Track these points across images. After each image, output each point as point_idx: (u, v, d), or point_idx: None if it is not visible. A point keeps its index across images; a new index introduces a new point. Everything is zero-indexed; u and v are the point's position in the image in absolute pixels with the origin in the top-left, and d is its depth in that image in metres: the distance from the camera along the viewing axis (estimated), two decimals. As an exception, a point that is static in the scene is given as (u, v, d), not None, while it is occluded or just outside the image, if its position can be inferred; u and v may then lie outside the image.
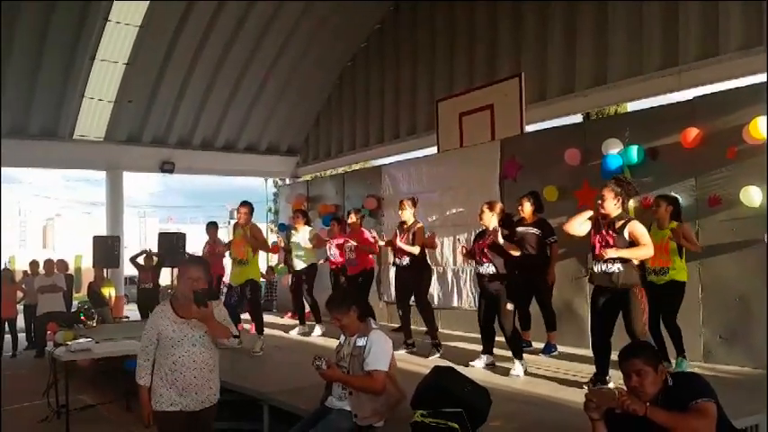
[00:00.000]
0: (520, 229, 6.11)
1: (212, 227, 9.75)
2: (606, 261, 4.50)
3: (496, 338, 5.76)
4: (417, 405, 3.54)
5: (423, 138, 11.61)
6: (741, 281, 5.51)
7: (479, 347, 5.92)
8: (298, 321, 8.64)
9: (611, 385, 4.63)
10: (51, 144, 12.47)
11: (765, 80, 5.67)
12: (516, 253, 5.40)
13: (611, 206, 4.55)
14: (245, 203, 7.19)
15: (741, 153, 5.53)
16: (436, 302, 8.17)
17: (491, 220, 5.52)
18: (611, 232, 4.50)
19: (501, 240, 5.30)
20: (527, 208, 6.33)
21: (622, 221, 4.51)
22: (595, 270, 4.63)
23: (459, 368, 4.04)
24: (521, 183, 7.50)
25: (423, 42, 11.98)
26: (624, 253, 4.38)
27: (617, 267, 4.46)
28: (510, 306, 5.40)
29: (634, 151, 6.20)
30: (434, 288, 8.33)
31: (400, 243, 6.37)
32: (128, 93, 12.42)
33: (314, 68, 13.62)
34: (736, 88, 6.08)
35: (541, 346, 6.45)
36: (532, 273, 6.10)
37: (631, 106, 9.52)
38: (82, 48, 11.33)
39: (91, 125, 12.81)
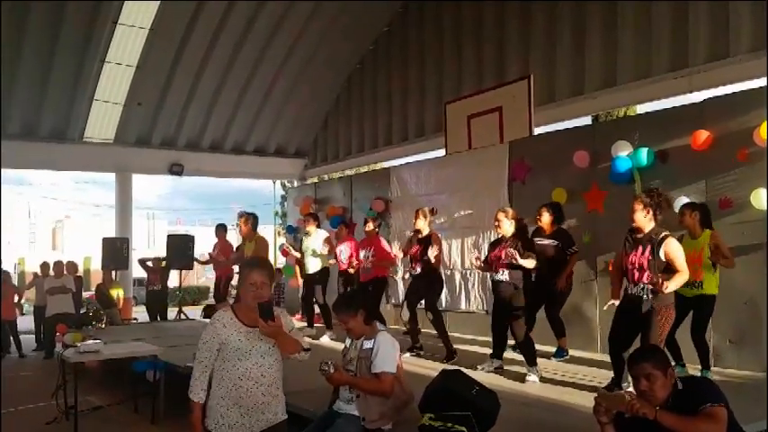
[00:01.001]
0: (538, 242, 5.98)
1: (221, 229, 9.80)
2: (635, 283, 4.36)
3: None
4: (425, 408, 3.53)
5: (431, 140, 11.59)
6: (750, 284, 5.47)
7: (487, 351, 5.90)
8: (306, 324, 8.63)
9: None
10: (61, 146, 12.56)
11: (766, 84, 5.64)
12: (532, 265, 5.30)
13: (642, 219, 4.34)
14: (242, 215, 7.09)
15: (752, 155, 5.49)
16: (444, 305, 8.15)
17: (508, 228, 5.47)
18: (645, 254, 4.30)
19: (521, 261, 5.18)
20: (545, 218, 6.21)
21: (657, 238, 4.28)
22: (627, 291, 4.47)
23: (468, 371, 4.02)
24: (529, 185, 7.48)
25: (431, 44, 11.97)
26: (666, 289, 4.13)
27: (646, 294, 4.29)
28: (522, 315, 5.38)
29: (644, 154, 6.16)
30: (442, 291, 8.32)
31: (431, 253, 6.28)
32: (137, 95, 12.50)
33: (322, 70, 13.64)
34: (747, 90, 6.03)
35: (547, 349, 6.42)
36: (547, 280, 6.04)
37: (641, 108, 9.46)
38: (92, 50, 11.40)
39: (100, 127, 12.89)
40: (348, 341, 3.83)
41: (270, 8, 11.79)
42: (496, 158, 7.93)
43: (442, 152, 9.96)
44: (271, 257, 22.14)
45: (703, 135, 5.75)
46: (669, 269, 4.27)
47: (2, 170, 11.98)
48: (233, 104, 13.58)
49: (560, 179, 7.06)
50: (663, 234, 4.32)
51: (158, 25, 11.47)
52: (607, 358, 5.31)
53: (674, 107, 6.71)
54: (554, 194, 6.94)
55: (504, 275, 5.40)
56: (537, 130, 8.38)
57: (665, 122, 6.28)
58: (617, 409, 2.69)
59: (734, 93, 6.18)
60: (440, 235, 7.02)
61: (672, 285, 4.17)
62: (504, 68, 10.40)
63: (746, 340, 5.53)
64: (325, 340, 7.86)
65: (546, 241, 6.12)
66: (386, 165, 12.89)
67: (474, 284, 8.18)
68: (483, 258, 5.80)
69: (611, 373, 4.85)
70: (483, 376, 4.97)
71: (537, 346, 6.34)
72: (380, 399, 3.50)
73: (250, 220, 7.10)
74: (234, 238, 12.09)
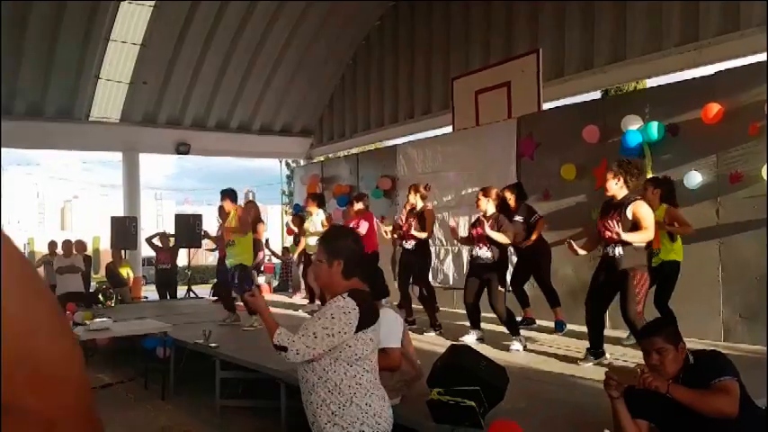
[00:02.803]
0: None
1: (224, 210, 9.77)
2: (608, 244, 4.60)
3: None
4: (434, 383, 3.53)
5: (438, 117, 11.49)
6: (762, 259, 5.42)
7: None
8: (308, 300, 8.69)
9: (609, 360, 4.73)
10: (67, 126, 12.53)
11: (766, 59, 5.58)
12: (503, 239, 5.60)
13: (614, 187, 4.65)
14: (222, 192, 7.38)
15: (763, 129, 5.40)
16: (451, 282, 8.16)
17: (487, 206, 5.79)
18: (615, 214, 4.57)
19: (489, 232, 5.54)
20: (510, 199, 6.50)
21: (628, 201, 4.58)
22: (603, 254, 4.73)
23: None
24: (538, 161, 7.42)
25: (437, 19, 11.80)
26: (626, 237, 4.44)
27: (617, 251, 4.54)
28: (501, 289, 5.74)
29: (654, 128, 6.09)
30: (449, 268, 8.32)
31: (414, 232, 6.62)
32: (142, 74, 12.43)
33: (327, 48, 13.50)
34: (758, 63, 5.92)
35: (544, 323, 6.55)
36: (526, 255, 6.47)
37: (651, 82, 9.32)
38: (96, 29, 11.32)
39: (107, 107, 12.84)
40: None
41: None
42: (504, 135, 7.86)
43: (448, 129, 9.87)
44: (275, 235, 22.20)
45: (714, 108, 5.66)
46: (636, 229, 4.53)
47: (9, 150, 11.99)
48: (238, 83, 13.48)
49: (569, 155, 7.00)
50: (633, 198, 4.63)
51: (162, 2, 11.36)
52: (611, 333, 5.34)
53: (684, 80, 6.60)
54: (563, 171, 6.89)
55: (486, 252, 5.70)
56: (545, 106, 8.28)
57: (675, 96, 6.19)
58: (628, 383, 2.68)
59: (746, 65, 6.08)
60: (447, 213, 7.05)
61: (631, 236, 4.45)
62: (512, 44, 10.24)
63: (757, 316, 5.50)
64: None
65: (516, 218, 6.39)
66: (392, 143, 12.81)
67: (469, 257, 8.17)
68: (465, 234, 6.19)
69: (616, 348, 4.86)
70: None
71: (542, 322, 6.42)
72: (387, 373, 3.50)
73: (226, 196, 7.39)
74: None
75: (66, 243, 10.30)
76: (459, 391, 3.33)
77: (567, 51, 9.50)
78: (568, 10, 9.46)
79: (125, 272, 10.88)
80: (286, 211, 21.93)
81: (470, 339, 5.70)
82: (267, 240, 13.21)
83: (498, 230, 5.60)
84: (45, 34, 11.04)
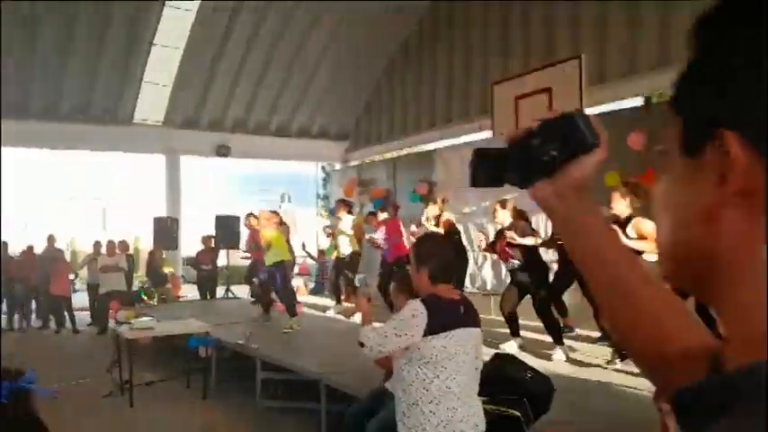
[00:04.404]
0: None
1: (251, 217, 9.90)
2: None
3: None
4: (478, 391, 3.50)
5: (476, 122, 11.40)
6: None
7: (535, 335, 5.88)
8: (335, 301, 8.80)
9: None
10: (112, 128, 12.84)
11: None
12: (531, 242, 5.63)
13: (621, 207, 4.96)
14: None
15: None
16: (489, 287, 8.09)
17: (504, 217, 5.83)
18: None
19: (519, 240, 5.57)
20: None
21: (629, 220, 4.82)
22: None
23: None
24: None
25: (475, 23, 11.73)
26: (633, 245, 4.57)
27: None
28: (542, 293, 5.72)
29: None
30: (487, 274, 8.26)
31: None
32: (185, 77, 12.68)
33: (365, 53, 13.56)
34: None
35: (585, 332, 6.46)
36: (568, 261, 6.13)
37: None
38: (141, 32, 11.60)
39: (150, 109, 13.14)
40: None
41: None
42: (546, 140, 7.76)
43: (486, 134, 9.80)
44: (310, 238, 22.35)
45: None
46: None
47: (54, 152, 12.38)
48: (278, 86, 13.66)
49: (613, 162, 6.86)
50: (631, 216, 4.90)
51: (204, 7, 11.58)
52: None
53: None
54: (606, 179, 6.75)
55: (514, 263, 5.73)
56: (587, 112, 8.13)
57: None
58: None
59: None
60: (485, 219, 7.07)
61: (632, 243, 4.53)
62: (552, 48, 10.12)
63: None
64: (355, 320, 7.95)
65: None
66: (428, 147, 12.78)
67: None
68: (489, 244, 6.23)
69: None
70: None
71: (583, 331, 6.33)
72: None
73: (273, 217, 7.58)
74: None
75: (110, 243, 10.55)
76: (504, 400, 3.30)
77: (609, 56, 9.34)
78: (611, 11, 9.30)
79: (168, 270, 11.10)
80: (321, 214, 22.09)
81: (512, 347, 5.64)
82: (303, 244, 13.33)
83: (522, 236, 5.63)
84: (92, 37, 11.35)
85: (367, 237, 8.18)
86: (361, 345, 2.62)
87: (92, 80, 12.14)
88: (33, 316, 11.05)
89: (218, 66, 12.68)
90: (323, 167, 22.26)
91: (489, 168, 0.79)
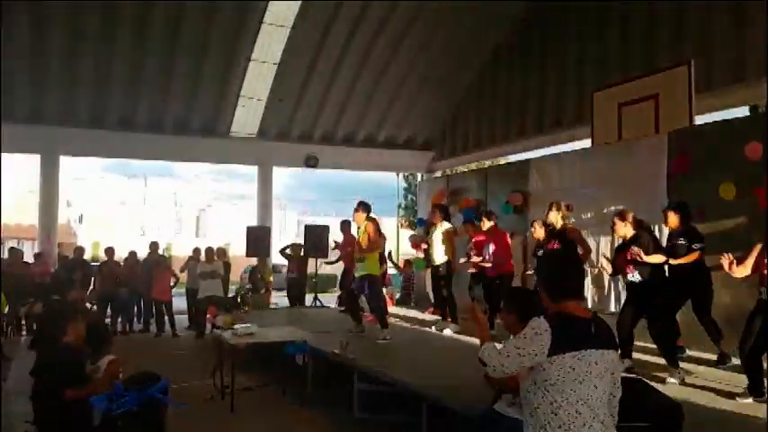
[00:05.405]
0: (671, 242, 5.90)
1: (346, 224, 9.94)
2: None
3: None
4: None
5: (570, 131, 11.06)
6: None
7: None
8: (440, 317, 8.59)
9: None
10: (210, 140, 13.42)
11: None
12: (658, 260, 5.37)
13: (625, 230, 5.48)
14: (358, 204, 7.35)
15: None
16: (590, 305, 7.75)
17: (625, 230, 5.55)
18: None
19: (647, 258, 5.29)
20: (672, 220, 5.87)
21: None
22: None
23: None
24: (691, 179, 6.91)
25: (570, 30, 11.38)
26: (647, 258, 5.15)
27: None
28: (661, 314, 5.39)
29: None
30: (588, 290, 7.93)
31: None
32: (278, 91, 13.06)
33: (454, 63, 13.50)
34: None
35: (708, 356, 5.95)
36: (681, 281, 5.74)
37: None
38: (239, 49, 12.06)
39: (245, 123, 13.63)
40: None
41: (404, 4, 11.83)
42: (653, 150, 7.40)
43: (581, 143, 9.49)
44: (391, 246, 22.41)
45: None
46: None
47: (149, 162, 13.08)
48: (365, 98, 13.82)
49: (728, 173, 6.45)
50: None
51: (299, 23, 11.89)
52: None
53: None
54: (721, 189, 6.36)
55: (635, 276, 5.43)
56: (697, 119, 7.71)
57: None
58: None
59: None
60: (586, 231, 6.76)
61: (648, 258, 5.28)
62: (653, 55, 9.64)
63: None
64: (448, 333, 7.77)
65: (680, 240, 5.81)
66: (516, 157, 12.50)
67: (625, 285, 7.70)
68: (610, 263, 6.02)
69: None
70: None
71: (695, 353, 5.93)
72: None
73: (360, 207, 7.33)
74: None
75: (209, 250, 10.91)
76: (630, 428, 3.09)
77: (716, 62, 8.80)
78: (717, 16, 8.76)
79: (270, 278, 11.41)
80: (402, 224, 22.08)
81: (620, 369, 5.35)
82: (390, 253, 13.34)
83: (648, 253, 5.28)
84: (192, 52, 11.91)
85: (474, 259, 7.89)
86: (483, 363, 2.49)
87: (193, 95, 12.72)
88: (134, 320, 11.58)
89: (310, 79, 12.98)
90: (405, 177, 22.29)
91: None
